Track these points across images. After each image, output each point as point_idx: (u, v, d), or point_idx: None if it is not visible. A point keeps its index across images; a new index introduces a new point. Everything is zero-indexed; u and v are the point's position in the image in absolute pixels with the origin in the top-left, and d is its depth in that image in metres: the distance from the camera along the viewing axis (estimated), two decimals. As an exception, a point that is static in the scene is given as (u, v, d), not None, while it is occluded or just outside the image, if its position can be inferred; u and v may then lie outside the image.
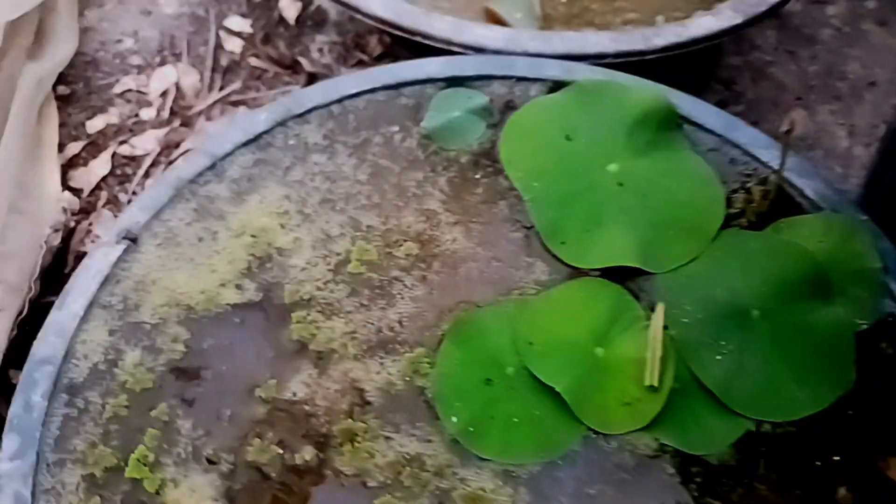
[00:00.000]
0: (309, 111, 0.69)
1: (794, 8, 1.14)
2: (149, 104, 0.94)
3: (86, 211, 0.86)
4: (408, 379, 0.55)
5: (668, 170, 0.65)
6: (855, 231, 0.62)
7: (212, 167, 0.65)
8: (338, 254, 0.61)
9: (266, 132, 0.67)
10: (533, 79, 0.71)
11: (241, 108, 0.94)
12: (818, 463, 0.53)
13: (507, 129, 0.68)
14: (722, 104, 1.02)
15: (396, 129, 0.68)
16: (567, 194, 0.64)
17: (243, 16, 1.04)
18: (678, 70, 0.86)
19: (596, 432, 0.53)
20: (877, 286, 0.60)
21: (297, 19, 1.04)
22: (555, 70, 0.71)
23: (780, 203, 0.64)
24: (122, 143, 0.91)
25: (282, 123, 0.68)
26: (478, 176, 0.66)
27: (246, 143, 0.67)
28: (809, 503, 0.52)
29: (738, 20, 0.78)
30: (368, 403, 0.54)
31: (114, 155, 0.90)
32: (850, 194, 0.84)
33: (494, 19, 0.80)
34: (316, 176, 0.65)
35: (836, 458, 0.54)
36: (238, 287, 0.59)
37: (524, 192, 0.64)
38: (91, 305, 0.58)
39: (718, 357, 0.56)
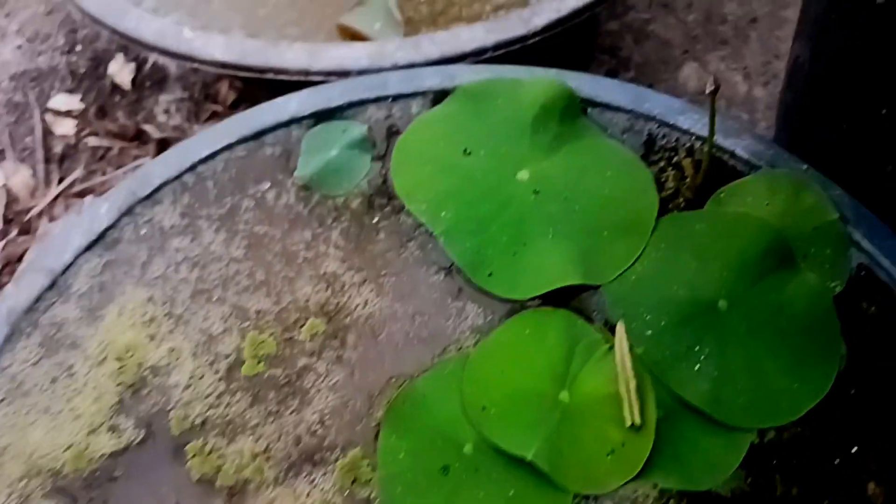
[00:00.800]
0: (158, 189, 0.57)
1: (658, -40, 1.10)
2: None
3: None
4: (347, 492, 0.44)
5: (585, 163, 0.57)
6: (801, 184, 0.55)
7: (52, 286, 0.53)
8: (227, 355, 0.50)
9: (111, 227, 0.56)
10: (411, 94, 0.62)
11: (89, 198, 0.81)
12: (837, 461, 0.46)
13: (396, 158, 0.58)
14: (612, 74, 0.96)
15: (267, 185, 0.57)
16: (481, 218, 0.55)
17: (70, 91, 0.91)
18: (561, 49, 0.78)
19: (585, 496, 0.44)
20: (840, 239, 0.53)
21: (134, 83, 0.91)
22: (433, 79, 0.62)
23: (714, 171, 0.57)
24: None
25: (128, 212, 0.56)
26: (376, 219, 0.56)
27: (89, 247, 0.55)
28: (843, 513, 0.44)
29: (614, -18, 0.71)
30: (307, 534, 0.44)
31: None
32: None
33: (351, 35, 0.70)
34: (181, 265, 0.53)
35: (855, 449, 0.46)
36: (112, 430, 0.47)
37: (433, 225, 0.55)
38: (-77, 504, 0.45)
39: (697, 366, 0.48)
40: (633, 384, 0.45)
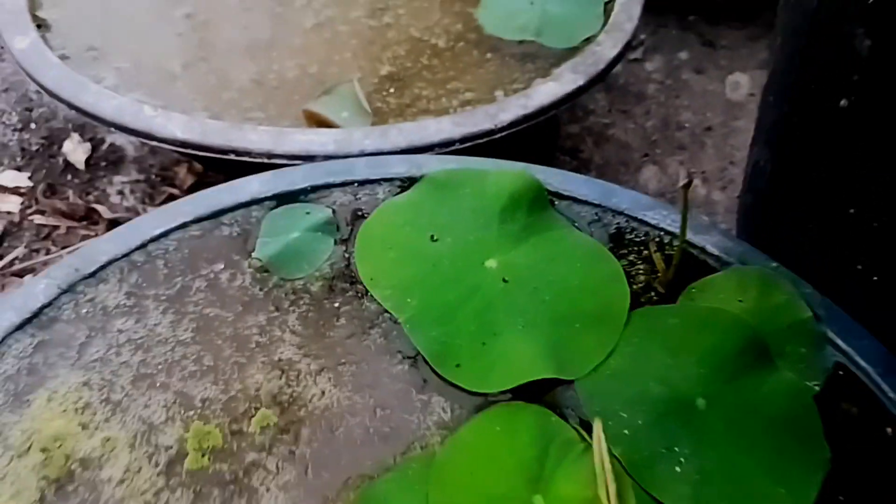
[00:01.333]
0: (104, 267, 0.54)
1: (616, 70, 1.14)
2: None
3: None
4: None
5: (554, 253, 0.56)
6: (772, 281, 0.54)
7: (-25, 367, 0.48)
8: (168, 447, 0.45)
9: (48, 304, 0.51)
10: (377, 180, 0.60)
11: (28, 277, 0.76)
12: (826, 573, 0.43)
13: (361, 242, 0.56)
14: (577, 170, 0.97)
15: (221, 266, 0.54)
16: (448, 305, 0.52)
17: (18, 169, 0.88)
18: (525, 147, 0.79)
19: None
20: (815, 337, 0.52)
21: (88, 163, 0.89)
22: (400, 166, 0.61)
23: (685, 266, 0.56)
24: None
25: (69, 289, 0.52)
26: (337, 304, 0.53)
27: (21, 326, 0.50)
28: None
29: (580, 81, 0.72)
30: None
31: None
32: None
33: (317, 122, 0.69)
34: (122, 347, 0.49)
35: (844, 561, 0.44)
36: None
37: (397, 312, 0.52)
38: None
39: (677, 468, 0.45)
40: (612, 488, 0.42)
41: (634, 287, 0.55)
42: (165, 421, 0.46)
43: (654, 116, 1.07)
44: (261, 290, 0.54)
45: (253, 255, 0.55)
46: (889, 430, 0.47)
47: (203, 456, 0.45)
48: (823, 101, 0.56)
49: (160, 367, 0.49)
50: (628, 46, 0.79)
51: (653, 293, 0.55)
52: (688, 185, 0.48)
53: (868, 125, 0.53)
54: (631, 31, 0.79)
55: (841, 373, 0.51)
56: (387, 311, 0.52)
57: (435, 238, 0.56)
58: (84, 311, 0.51)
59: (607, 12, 0.82)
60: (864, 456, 0.47)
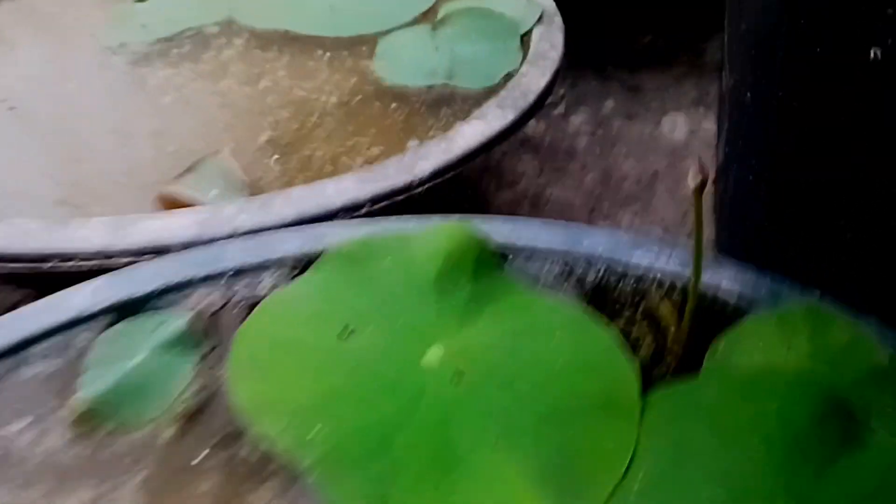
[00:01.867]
0: None
1: (539, 130, 1.02)
2: None
3: None
4: None
5: (520, 328, 0.39)
6: (823, 319, 0.39)
7: None
8: None
9: None
10: (259, 265, 0.43)
11: None
12: None
13: (237, 356, 0.38)
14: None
15: (25, 423, 0.35)
16: (378, 432, 0.35)
17: None
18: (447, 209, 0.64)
19: None
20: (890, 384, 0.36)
21: None
22: (290, 242, 0.44)
23: (699, 319, 0.40)
24: None
25: None
26: (200, 458, 0.34)
27: None
28: None
29: (510, 116, 0.58)
30: None
31: None
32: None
33: (180, 207, 0.52)
34: None
35: None
36: None
37: (298, 455, 0.34)
38: None
39: None
40: None
41: (641, 356, 0.38)
42: None
43: (592, 170, 0.94)
44: (85, 450, 0.35)
45: (77, 395, 0.36)
46: None
47: None
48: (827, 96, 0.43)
49: None
50: (557, 75, 0.66)
51: (668, 359, 0.39)
52: (702, 187, 0.33)
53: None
54: (557, 58, 0.67)
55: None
56: (281, 457, 0.34)
57: (349, 332, 0.39)
58: None
59: (525, 45, 0.70)
60: None
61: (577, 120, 1.04)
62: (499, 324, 0.40)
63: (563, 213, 0.87)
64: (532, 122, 1.03)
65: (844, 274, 0.45)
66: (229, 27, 0.75)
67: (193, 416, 0.36)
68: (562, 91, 1.08)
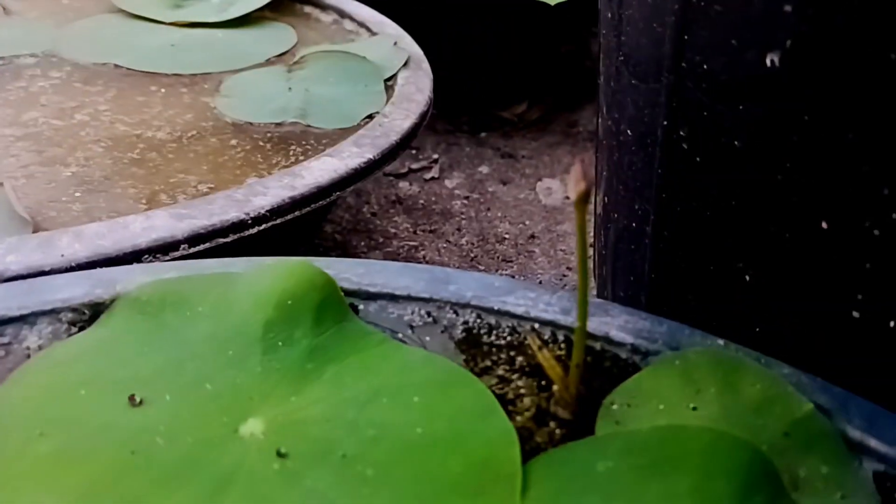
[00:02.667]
0: None
1: (413, 191, 0.96)
2: None
3: None
4: None
5: (372, 390, 0.30)
6: (730, 367, 0.33)
7: None
8: None
9: None
10: (26, 316, 0.33)
11: None
12: None
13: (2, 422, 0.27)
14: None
15: None
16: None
17: None
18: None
19: None
20: (832, 442, 0.30)
21: None
22: (74, 288, 0.34)
23: (588, 371, 0.33)
24: None
25: None
26: None
27: None
28: None
29: (367, 155, 0.51)
30: None
31: None
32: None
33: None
34: None
35: None
36: None
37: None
38: None
39: None
40: None
41: (520, 420, 0.31)
42: None
43: (467, 232, 0.88)
44: None
45: None
46: None
47: None
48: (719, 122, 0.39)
49: None
50: (423, 118, 0.60)
51: (553, 423, 0.31)
52: (586, 196, 0.26)
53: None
54: (424, 101, 0.61)
55: (889, 485, 0.29)
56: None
57: (137, 401, 0.29)
58: None
59: (390, 89, 0.64)
60: None
61: (451, 183, 0.99)
62: (342, 388, 0.31)
63: (436, 277, 0.80)
64: (405, 185, 0.97)
65: (745, 320, 0.39)
66: (48, 59, 0.64)
67: None
68: (436, 156, 1.04)
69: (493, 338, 0.35)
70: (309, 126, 0.57)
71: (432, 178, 0.99)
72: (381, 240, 0.85)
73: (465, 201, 0.95)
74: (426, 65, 0.69)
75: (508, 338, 0.35)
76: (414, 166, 1.01)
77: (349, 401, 0.30)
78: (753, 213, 0.36)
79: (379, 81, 0.65)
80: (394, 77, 0.66)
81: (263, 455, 0.28)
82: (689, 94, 0.39)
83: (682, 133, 0.40)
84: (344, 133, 0.56)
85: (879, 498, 0.29)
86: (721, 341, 0.35)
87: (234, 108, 0.58)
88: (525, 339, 0.35)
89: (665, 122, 0.41)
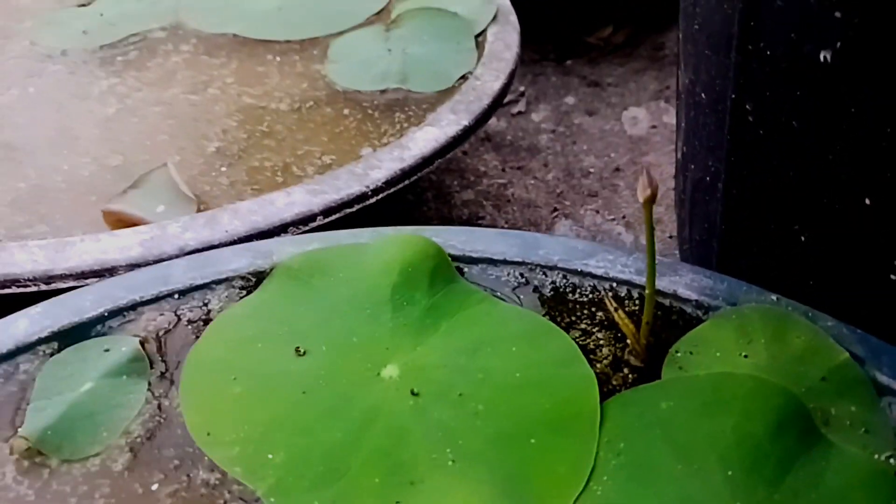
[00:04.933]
0: None
1: (501, 126, 1.02)
2: None
3: None
4: None
5: (477, 340, 0.38)
6: (780, 321, 0.39)
7: None
8: None
9: None
10: (207, 284, 0.42)
11: None
12: None
13: (188, 379, 0.37)
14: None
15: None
16: (334, 452, 0.34)
17: None
18: (404, 219, 0.63)
19: None
20: (863, 387, 0.36)
21: None
22: (238, 260, 0.43)
23: (657, 324, 0.40)
24: None
25: None
26: (155, 485, 0.33)
27: None
28: None
29: (464, 122, 0.57)
30: None
31: None
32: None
33: (126, 224, 0.50)
34: None
35: None
36: None
37: (254, 480, 0.33)
38: None
39: None
40: None
41: (599, 367, 0.38)
42: None
43: (554, 167, 0.94)
44: (31, 487, 0.33)
45: (19, 431, 0.35)
46: None
47: None
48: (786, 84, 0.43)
49: None
50: (512, 77, 0.65)
51: (626, 369, 0.38)
52: (652, 198, 0.32)
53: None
54: (512, 59, 0.66)
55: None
56: (236, 482, 0.33)
57: (302, 351, 0.38)
58: None
59: (480, 45, 0.69)
60: None
61: (538, 117, 1.03)
62: (455, 338, 0.39)
63: (525, 213, 0.87)
64: (493, 120, 1.02)
65: (801, 274, 0.45)
66: (175, 33, 0.73)
67: (146, 443, 0.35)
68: (522, 88, 1.08)
69: (576, 296, 0.42)
70: (409, 91, 0.63)
71: (519, 113, 1.04)
72: (472, 178, 0.92)
73: (552, 135, 1.00)
74: (514, 17, 0.73)
75: (590, 295, 0.42)
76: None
77: (461, 350, 0.38)
78: (808, 185, 0.41)
79: (470, 38, 0.70)
80: (484, 32, 0.71)
81: (400, 394, 0.36)
82: (754, 74, 0.43)
83: (748, 107, 0.45)
84: (441, 96, 0.62)
85: (900, 433, 0.35)
86: (774, 297, 0.40)
87: (343, 76, 0.65)
88: (603, 295, 0.42)
89: (733, 96, 0.46)
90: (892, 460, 0.34)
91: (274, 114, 0.61)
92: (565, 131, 1.00)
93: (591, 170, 0.93)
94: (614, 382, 0.37)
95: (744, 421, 0.34)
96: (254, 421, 0.35)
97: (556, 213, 0.87)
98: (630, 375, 0.38)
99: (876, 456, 0.34)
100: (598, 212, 0.87)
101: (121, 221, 0.50)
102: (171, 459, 0.34)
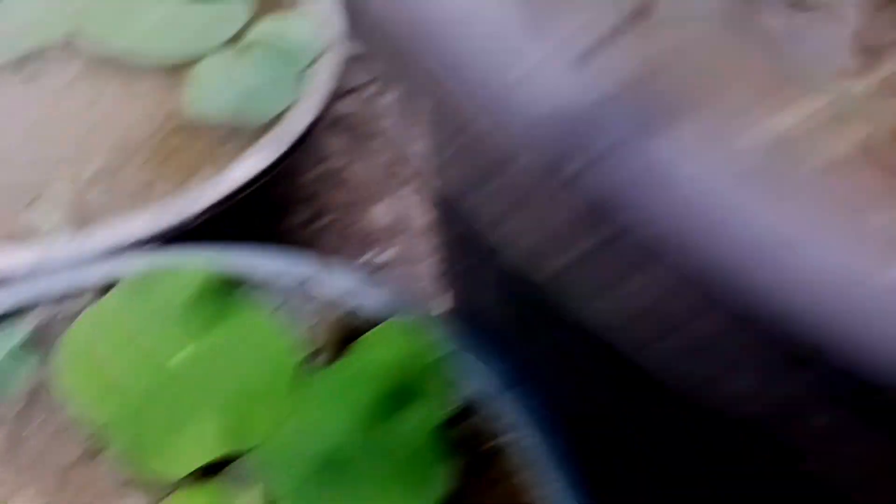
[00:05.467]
0: None
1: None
2: None
3: None
4: None
5: (232, 340, 0.65)
6: (416, 330, 0.66)
7: None
8: None
9: None
10: (78, 291, 0.67)
11: None
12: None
13: (61, 357, 0.63)
14: (312, 221, 1.07)
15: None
16: (139, 408, 0.61)
17: None
18: (254, 210, 0.87)
19: None
20: (446, 375, 0.64)
21: None
22: (97, 273, 0.68)
23: (352, 330, 0.67)
24: None
25: None
26: (35, 424, 0.60)
27: None
28: None
29: (274, 155, 0.81)
30: None
31: None
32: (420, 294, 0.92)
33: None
34: None
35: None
36: None
37: (94, 420, 0.60)
38: None
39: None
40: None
41: (305, 354, 0.65)
42: None
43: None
44: (-34, 419, 0.60)
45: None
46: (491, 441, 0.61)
47: None
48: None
49: None
50: (327, 108, 0.88)
51: (324, 357, 0.65)
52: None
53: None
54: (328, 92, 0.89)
55: (466, 401, 0.63)
56: (85, 421, 0.60)
57: (130, 343, 0.64)
58: None
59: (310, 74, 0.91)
60: (473, 464, 0.60)
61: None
62: (219, 338, 0.65)
63: (356, 193, 1.11)
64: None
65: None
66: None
67: (32, 397, 0.61)
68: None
69: (306, 308, 0.68)
70: (243, 120, 0.86)
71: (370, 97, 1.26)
72: (319, 157, 1.15)
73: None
74: (344, 47, 0.95)
75: (310, 308, 0.68)
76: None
77: (221, 346, 0.65)
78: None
79: (299, 67, 0.92)
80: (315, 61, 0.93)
81: (180, 373, 0.63)
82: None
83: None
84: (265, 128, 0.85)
85: (459, 402, 0.63)
86: (424, 314, 0.68)
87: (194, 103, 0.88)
88: (316, 309, 0.68)
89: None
90: (440, 416, 0.62)
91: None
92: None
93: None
94: (314, 365, 0.65)
95: (367, 393, 0.62)
96: (97, 386, 0.62)
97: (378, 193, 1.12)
98: (324, 361, 0.65)
99: (434, 413, 0.62)
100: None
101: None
102: (48, 408, 0.61)
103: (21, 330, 0.64)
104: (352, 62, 0.94)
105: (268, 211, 1.04)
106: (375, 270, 1.00)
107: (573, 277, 0.32)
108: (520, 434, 0.60)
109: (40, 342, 0.64)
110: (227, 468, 0.59)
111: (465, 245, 0.66)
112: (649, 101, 0.29)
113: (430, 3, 0.34)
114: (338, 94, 0.91)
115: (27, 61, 0.91)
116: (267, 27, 0.98)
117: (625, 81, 0.29)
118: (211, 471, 0.58)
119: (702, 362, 0.30)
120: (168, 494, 0.57)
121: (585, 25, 0.31)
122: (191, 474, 0.58)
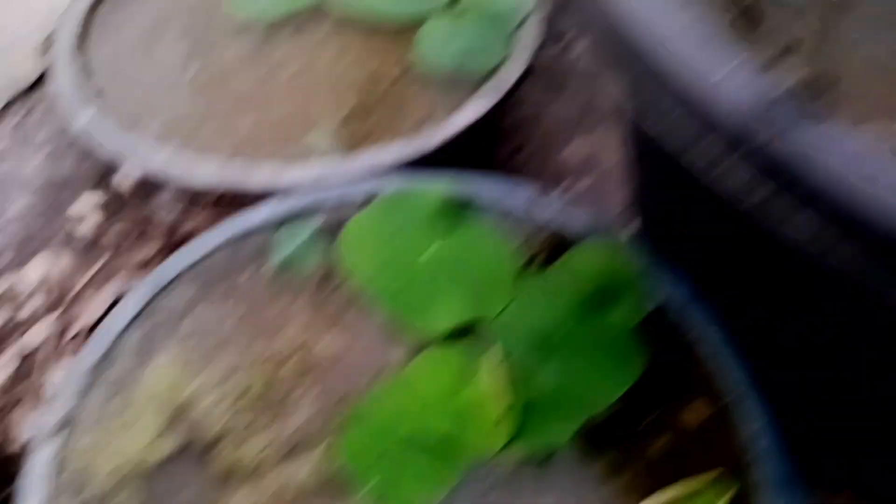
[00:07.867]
0: (177, 277, 0.83)
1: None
2: (26, 299, 1.05)
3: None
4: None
5: (468, 242, 0.84)
6: (614, 249, 0.83)
7: (111, 349, 0.78)
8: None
9: (148, 304, 0.81)
10: (351, 199, 0.88)
11: (115, 279, 1.06)
12: (638, 428, 0.73)
13: (342, 246, 0.85)
14: (515, 153, 1.23)
15: (248, 273, 0.84)
16: (403, 282, 0.81)
17: (91, 192, 1.16)
18: (473, 145, 1.05)
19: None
20: (639, 288, 0.80)
21: (136, 188, 1.17)
22: (364, 188, 0.89)
23: (559, 244, 0.84)
24: (13, 342, 1.00)
25: (154, 297, 0.82)
26: (330, 289, 0.82)
27: (135, 317, 0.80)
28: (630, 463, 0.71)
29: (492, 102, 0.99)
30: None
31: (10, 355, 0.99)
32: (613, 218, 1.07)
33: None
34: (202, 325, 0.79)
35: (649, 419, 0.73)
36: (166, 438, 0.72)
37: (370, 292, 0.81)
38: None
39: (544, 377, 0.75)
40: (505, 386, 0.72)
41: (524, 259, 0.83)
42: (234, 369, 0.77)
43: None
44: (280, 283, 0.83)
45: (272, 260, 0.84)
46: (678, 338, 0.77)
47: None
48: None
49: (227, 337, 0.79)
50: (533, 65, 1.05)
51: (538, 264, 0.83)
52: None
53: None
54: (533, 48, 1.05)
55: (657, 310, 0.79)
56: (364, 291, 0.81)
57: (392, 239, 0.85)
58: (173, 302, 0.81)
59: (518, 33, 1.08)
60: (664, 358, 0.76)
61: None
62: (458, 240, 0.84)
63: (554, 129, 1.27)
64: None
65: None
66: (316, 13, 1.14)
67: (326, 271, 0.83)
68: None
69: (522, 225, 0.86)
70: (463, 72, 1.04)
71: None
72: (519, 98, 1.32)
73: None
74: (548, 6, 1.11)
75: (526, 227, 0.86)
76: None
77: (460, 246, 0.84)
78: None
79: (510, 28, 1.09)
80: (525, 21, 1.09)
81: (431, 263, 0.83)
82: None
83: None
84: (483, 78, 1.03)
85: (650, 310, 0.79)
86: (620, 236, 0.84)
87: (422, 58, 1.07)
88: (531, 228, 0.86)
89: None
90: (636, 321, 0.78)
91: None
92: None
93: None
94: (531, 268, 0.83)
95: (575, 292, 0.79)
96: (371, 266, 0.83)
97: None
98: (538, 266, 0.83)
99: (633, 315, 0.79)
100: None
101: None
102: (336, 279, 0.83)
103: (311, 225, 0.87)
104: (549, 15, 1.10)
105: (483, 146, 1.22)
106: (571, 200, 1.16)
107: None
108: (704, 333, 0.75)
109: (325, 236, 0.86)
110: (465, 337, 0.78)
111: (661, 180, 0.81)
112: (809, 101, 0.45)
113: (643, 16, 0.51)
114: (539, 46, 1.07)
115: (289, 21, 1.13)
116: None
117: (790, 87, 0.46)
118: (452, 337, 0.78)
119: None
120: (423, 350, 0.77)
121: (758, 50, 0.48)
122: (439, 336, 0.78)
